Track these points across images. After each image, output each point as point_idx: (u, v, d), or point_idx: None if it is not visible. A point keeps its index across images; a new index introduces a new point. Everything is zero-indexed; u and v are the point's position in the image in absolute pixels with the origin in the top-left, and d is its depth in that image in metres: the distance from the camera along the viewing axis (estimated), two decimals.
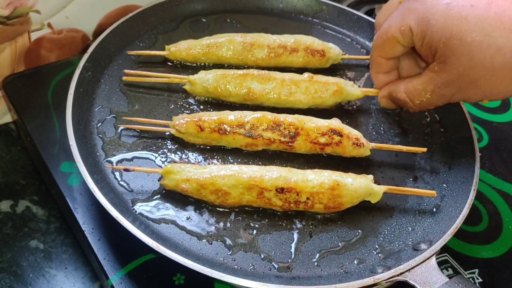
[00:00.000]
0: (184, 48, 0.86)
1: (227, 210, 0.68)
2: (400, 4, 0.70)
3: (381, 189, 0.69)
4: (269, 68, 0.85)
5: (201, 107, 0.81)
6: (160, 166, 0.72)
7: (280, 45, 0.87)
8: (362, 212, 0.70)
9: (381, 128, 0.83)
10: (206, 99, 0.82)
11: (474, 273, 0.73)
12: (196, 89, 0.80)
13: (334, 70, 0.92)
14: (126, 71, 0.81)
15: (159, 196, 0.68)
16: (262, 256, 0.64)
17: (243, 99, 0.80)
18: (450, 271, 0.73)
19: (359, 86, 0.90)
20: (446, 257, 0.74)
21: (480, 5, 0.60)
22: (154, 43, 0.91)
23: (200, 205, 0.68)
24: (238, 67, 0.87)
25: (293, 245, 0.66)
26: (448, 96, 0.67)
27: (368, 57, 0.94)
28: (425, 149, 0.75)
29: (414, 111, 0.74)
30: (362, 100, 0.87)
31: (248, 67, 0.85)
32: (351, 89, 0.82)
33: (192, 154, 0.74)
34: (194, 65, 0.88)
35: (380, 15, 0.75)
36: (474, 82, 0.63)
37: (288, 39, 0.88)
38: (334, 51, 0.89)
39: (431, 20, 0.63)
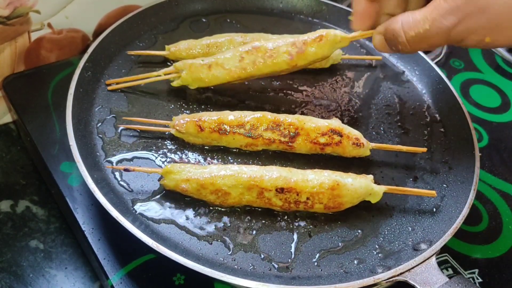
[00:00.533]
0: (184, 48, 0.86)
1: (227, 210, 0.68)
2: None
3: (381, 189, 0.69)
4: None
5: (202, 106, 0.81)
6: (160, 166, 0.72)
7: None
8: (362, 212, 0.70)
9: (381, 128, 0.83)
10: (203, 99, 0.82)
11: (474, 273, 0.74)
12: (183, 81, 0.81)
13: (334, 70, 0.92)
14: (107, 81, 0.81)
15: (159, 196, 0.68)
16: (262, 256, 0.64)
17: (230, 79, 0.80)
18: (450, 271, 0.73)
19: (359, 87, 0.90)
20: (446, 257, 0.75)
21: None
22: (154, 43, 0.91)
23: (200, 205, 0.68)
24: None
25: (293, 245, 0.66)
26: (449, 27, 0.61)
27: (368, 57, 0.94)
28: (425, 149, 0.75)
29: (405, 51, 0.67)
30: (362, 100, 0.87)
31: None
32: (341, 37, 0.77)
33: (192, 154, 0.74)
34: None
35: None
36: (482, 10, 0.59)
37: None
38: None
39: None
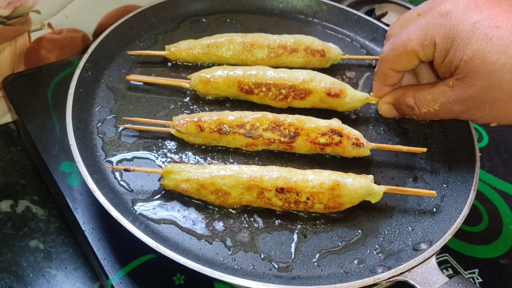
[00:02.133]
0: (184, 48, 0.86)
1: (227, 210, 0.68)
2: (419, 17, 0.68)
3: (381, 189, 0.69)
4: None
5: (202, 107, 0.81)
6: (160, 166, 0.72)
7: (280, 45, 0.87)
8: (362, 212, 0.70)
9: (381, 128, 0.83)
10: (203, 99, 0.82)
11: (474, 273, 0.74)
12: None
13: (334, 70, 0.92)
14: (128, 77, 0.81)
15: (159, 196, 0.68)
16: (262, 256, 0.64)
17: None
18: (450, 271, 0.73)
19: (359, 87, 0.90)
20: (446, 257, 0.75)
21: (506, 28, 0.60)
22: (154, 43, 0.91)
23: (200, 205, 0.68)
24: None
25: (293, 245, 0.66)
26: (457, 112, 0.67)
27: (368, 57, 0.94)
28: (425, 149, 0.75)
29: (418, 119, 0.74)
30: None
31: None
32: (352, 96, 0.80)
33: (192, 154, 0.74)
34: (194, 65, 0.88)
35: (394, 26, 0.74)
36: (487, 103, 0.63)
37: (288, 39, 0.88)
38: (334, 51, 0.89)
39: (457, 38, 0.62)
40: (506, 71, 0.60)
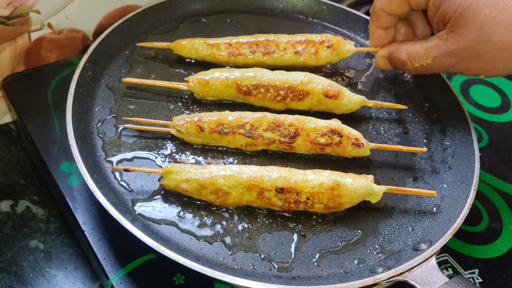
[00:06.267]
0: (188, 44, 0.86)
1: (227, 210, 0.68)
2: None
3: (381, 189, 0.69)
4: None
5: (201, 107, 0.81)
6: (160, 166, 0.72)
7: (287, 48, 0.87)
8: (362, 212, 0.70)
9: (381, 128, 0.83)
10: (207, 101, 0.82)
11: (474, 273, 0.74)
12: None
13: (334, 70, 0.92)
14: (123, 79, 0.80)
15: (159, 196, 0.68)
16: (262, 256, 0.64)
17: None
18: (450, 271, 0.73)
19: (359, 87, 0.90)
20: (446, 257, 0.74)
21: None
22: None
23: (200, 205, 0.68)
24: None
25: (293, 245, 0.66)
26: (448, 65, 0.71)
27: (371, 49, 0.93)
28: (425, 149, 0.75)
29: (409, 73, 0.80)
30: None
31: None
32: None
33: (192, 154, 0.74)
34: (196, 63, 0.88)
35: None
36: (477, 55, 0.67)
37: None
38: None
39: None
40: (496, 24, 0.63)
